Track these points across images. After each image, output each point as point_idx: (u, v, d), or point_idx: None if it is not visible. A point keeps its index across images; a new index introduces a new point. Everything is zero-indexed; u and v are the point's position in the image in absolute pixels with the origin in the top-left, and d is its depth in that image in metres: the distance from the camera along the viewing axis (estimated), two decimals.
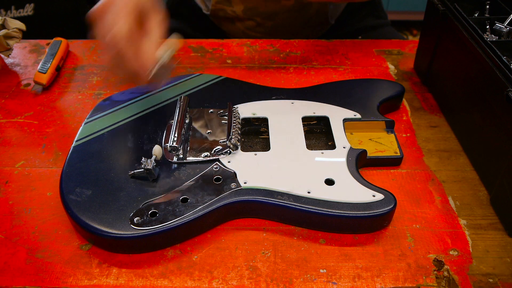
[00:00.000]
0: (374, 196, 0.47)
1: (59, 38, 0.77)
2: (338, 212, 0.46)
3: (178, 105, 0.57)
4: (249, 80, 0.67)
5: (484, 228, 0.49)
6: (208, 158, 0.52)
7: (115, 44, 0.47)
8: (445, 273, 0.44)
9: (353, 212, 0.46)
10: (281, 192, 0.48)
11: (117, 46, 0.47)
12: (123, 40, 0.47)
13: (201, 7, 0.92)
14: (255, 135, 0.59)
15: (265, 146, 0.58)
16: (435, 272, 0.44)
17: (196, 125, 0.58)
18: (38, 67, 0.69)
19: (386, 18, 0.98)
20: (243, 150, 0.55)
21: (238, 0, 0.83)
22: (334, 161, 0.52)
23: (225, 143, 0.53)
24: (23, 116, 0.64)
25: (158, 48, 0.50)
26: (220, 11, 0.87)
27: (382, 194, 0.48)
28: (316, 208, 0.47)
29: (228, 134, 0.53)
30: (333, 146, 0.54)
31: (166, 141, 0.55)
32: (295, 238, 0.48)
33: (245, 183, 0.49)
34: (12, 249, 0.47)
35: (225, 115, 0.59)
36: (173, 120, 0.56)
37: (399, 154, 0.56)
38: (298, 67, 0.74)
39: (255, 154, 0.53)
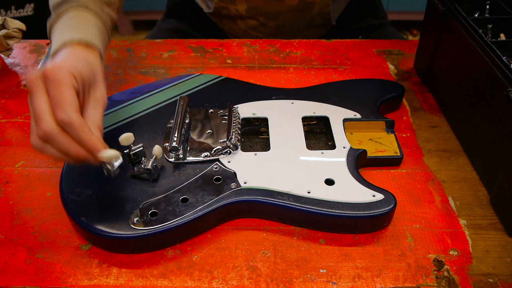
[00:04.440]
0: (374, 196, 0.47)
1: None
2: (338, 212, 0.46)
3: (178, 105, 0.57)
4: (249, 80, 0.67)
5: (484, 228, 0.49)
6: (208, 158, 0.52)
7: (55, 135, 0.41)
8: (445, 273, 0.44)
9: (353, 212, 0.46)
10: (281, 192, 0.48)
11: (55, 133, 0.41)
12: (60, 133, 0.41)
13: (202, 7, 0.91)
14: (255, 135, 0.59)
15: (265, 146, 0.58)
16: (435, 272, 0.44)
17: (196, 125, 0.58)
18: (38, 67, 0.69)
19: (386, 18, 0.98)
20: (243, 150, 0.55)
21: None
22: (334, 161, 0.52)
23: (225, 143, 0.53)
24: (23, 116, 0.64)
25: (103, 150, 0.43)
26: (223, 9, 0.87)
27: (382, 194, 0.48)
28: (316, 208, 0.47)
29: (228, 134, 0.53)
30: (333, 146, 0.54)
31: (166, 141, 0.55)
32: (295, 238, 0.48)
33: (245, 183, 0.49)
34: (12, 249, 0.47)
35: (225, 115, 0.59)
36: (173, 120, 0.56)
37: (399, 154, 0.56)
38: (298, 67, 0.74)
39: (255, 154, 0.53)
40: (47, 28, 0.56)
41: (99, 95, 0.48)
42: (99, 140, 0.43)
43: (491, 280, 0.44)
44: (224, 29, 0.94)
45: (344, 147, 0.54)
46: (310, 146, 0.58)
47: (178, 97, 0.59)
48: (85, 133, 0.42)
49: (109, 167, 0.45)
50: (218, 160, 0.52)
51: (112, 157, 0.43)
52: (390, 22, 0.97)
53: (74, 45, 0.50)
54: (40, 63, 0.70)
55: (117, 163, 0.45)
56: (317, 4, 0.84)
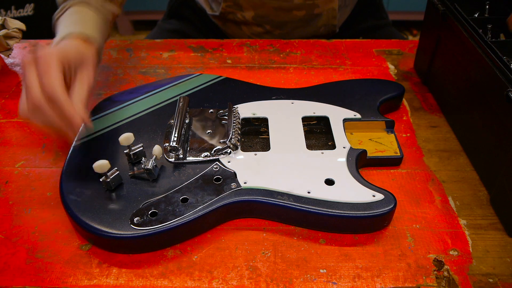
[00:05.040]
0: (374, 196, 0.47)
1: None
2: (338, 212, 0.46)
3: (178, 105, 0.57)
4: (249, 80, 0.67)
5: (484, 228, 0.49)
6: (208, 158, 0.52)
7: (40, 101, 0.47)
8: (445, 273, 0.44)
9: (353, 212, 0.46)
10: (281, 192, 0.48)
11: (42, 104, 0.47)
12: (44, 99, 0.48)
13: (205, 9, 0.91)
14: (255, 135, 0.59)
15: (265, 146, 0.58)
16: (435, 272, 0.44)
17: (196, 125, 0.58)
18: None
19: (387, 18, 0.97)
20: (243, 150, 0.55)
21: (249, 6, 0.82)
22: (334, 161, 0.52)
23: (225, 143, 0.53)
24: None
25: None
26: (229, 14, 0.86)
27: (382, 194, 0.48)
28: (316, 208, 0.47)
29: (228, 134, 0.53)
30: (333, 146, 0.54)
31: (166, 141, 0.55)
32: (295, 238, 0.48)
33: (245, 183, 0.49)
34: (12, 249, 0.47)
35: (225, 115, 0.59)
36: (173, 120, 0.56)
37: (399, 154, 0.56)
38: (298, 67, 0.74)
39: (255, 154, 0.53)
40: (53, 20, 0.63)
41: (85, 75, 0.53)
42: (79, 116, 0.48)
43: (491, 280, 0.44)
44: (226, 32, 0.93)
45: (344, 147, 0.54)
46: (310, 146, 0.58)
47: (178, 97, 0.59)
48: (67, 107, 0.47)
49: (105, 179, 0.48)
50: (218, 160, 0.52)
51: (102, 165, 0.47)
52: (391, 23, 0.97)
53: (72, 38, 0.56)
54: None
55: (111, 174, 0.48)
56: (323, 15, 0.84)
